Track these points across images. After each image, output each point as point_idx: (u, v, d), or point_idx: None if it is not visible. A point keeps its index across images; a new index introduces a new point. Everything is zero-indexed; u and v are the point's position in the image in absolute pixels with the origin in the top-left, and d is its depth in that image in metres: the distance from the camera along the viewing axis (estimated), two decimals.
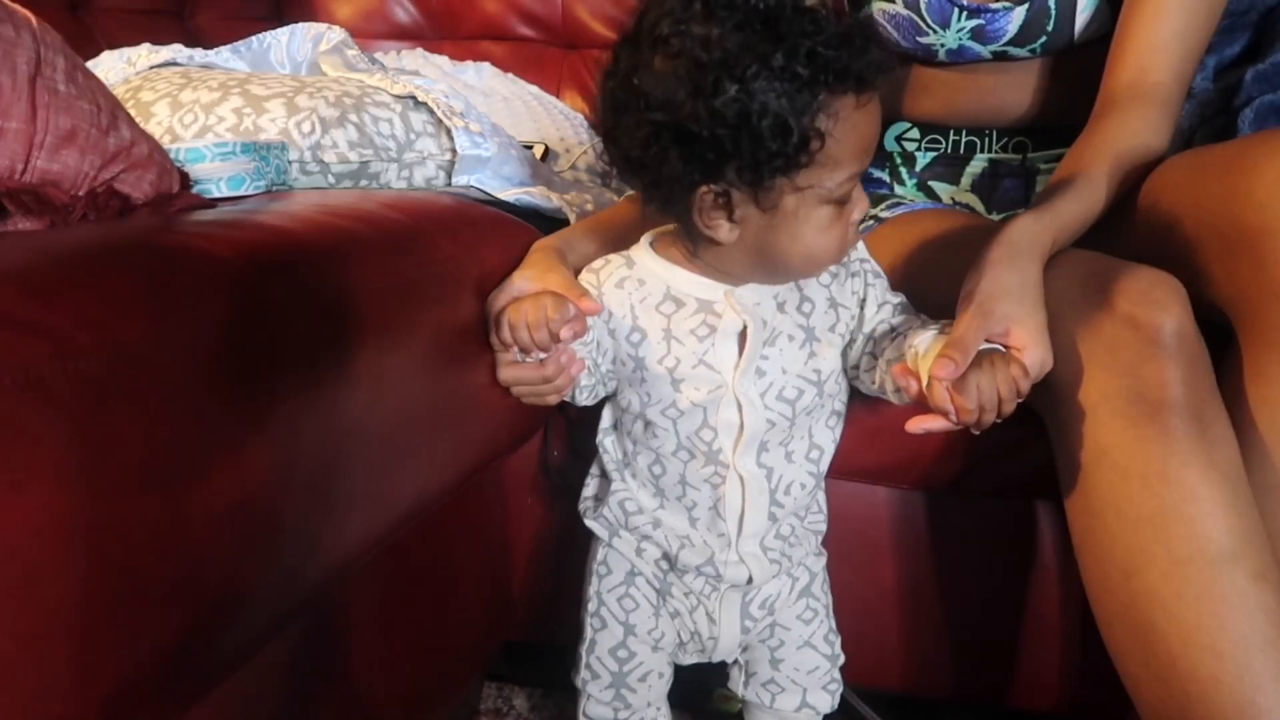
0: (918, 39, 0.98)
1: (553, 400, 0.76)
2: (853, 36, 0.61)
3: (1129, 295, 0.70)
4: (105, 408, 0.43)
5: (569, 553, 0.85)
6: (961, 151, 1.04)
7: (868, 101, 0.63)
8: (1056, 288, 0.73)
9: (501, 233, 0.84)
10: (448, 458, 0.76)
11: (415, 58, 1.58)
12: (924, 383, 0.66)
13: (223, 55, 1.12)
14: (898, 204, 1.00)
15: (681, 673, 0.85)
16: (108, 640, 0.43)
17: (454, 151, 1.01)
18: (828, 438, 0.76)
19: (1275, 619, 0.65)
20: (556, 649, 0.85)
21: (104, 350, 0.44)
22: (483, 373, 0.76)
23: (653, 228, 0.75)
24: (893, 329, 0.74)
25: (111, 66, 1.06)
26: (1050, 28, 0.95)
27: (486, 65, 1.59)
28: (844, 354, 0.76)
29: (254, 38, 1.15)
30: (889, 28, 0.99)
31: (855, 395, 0.80)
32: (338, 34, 1.13)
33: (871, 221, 0.99)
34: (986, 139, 1.03)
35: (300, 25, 1.15)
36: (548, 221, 0.95)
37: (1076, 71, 0.96)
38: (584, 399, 0.77)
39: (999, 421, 0.66)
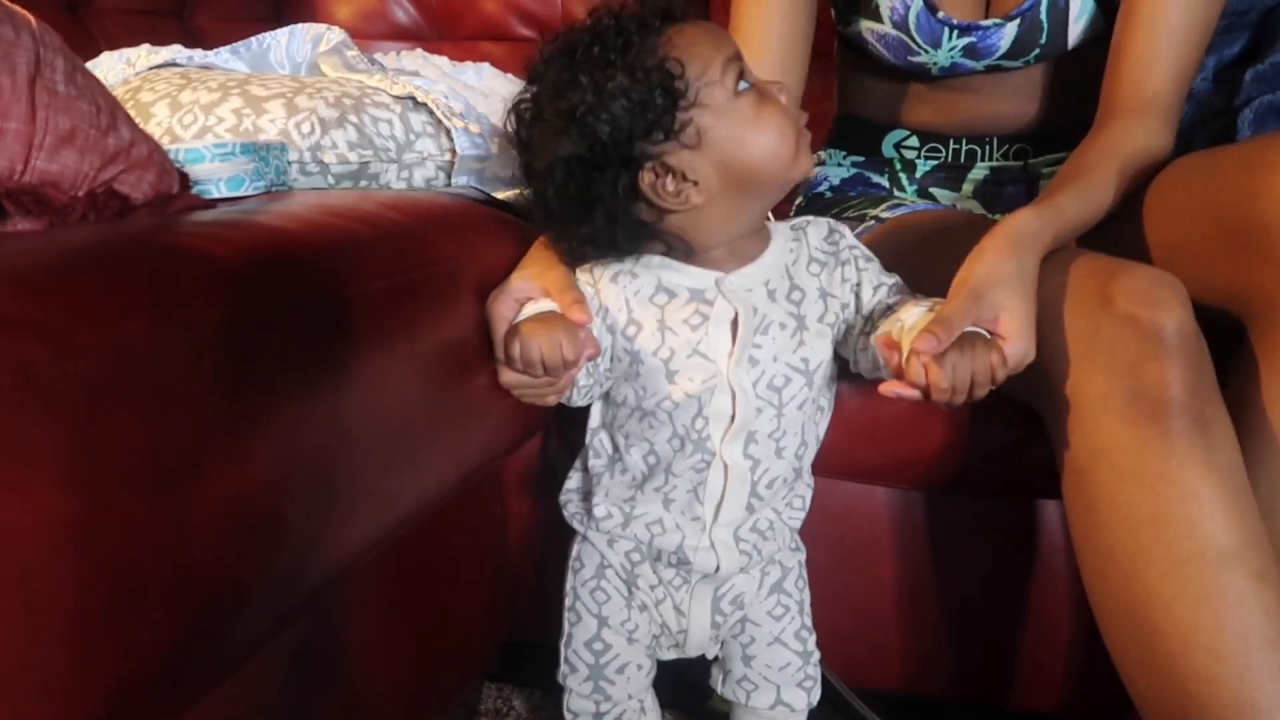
0: (909, 58, 0.98)
1: (552, 401, 0.77)
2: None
3: (1130, 294, 0.70)
4: (104, 408, 0.43)
5: (569, 553, 0.85)
6: (962, 160, 1.04)
7: (687, 24, 0.69)
8: (1056, 286, 0.73)
9: (501, 233, 0.84)
10: (448, 458, 0.76)
11: (415, 58, 1.58)
12: (904, 356, 0.67)
13: (222, 56, 1.12)
14: (898, 205, 1.00)
15: (681, 674, 0.86)
16: (107, 640, 0.43)
17: (454, 152, 1.01)
18: (813, 434, 0.77)
19: (1275, 619, 0.65)
20: (556, 650, 0.85)
21: (103, 351, 0.44)
22: (483, 373, 0.76)
23: None
24: (889, 308, 0.74)
25: (111, 67, 1.05)
26: (1043, 40, 0.95)
27: (486, 66, 1.58)
28: (844, 340, 0.76)
29: (253, 38, 1.15)
30: (879, 46, 0.99)
31: (853, 395, 0.80)
32: (337, 34, 1.13)
33: (872, 221, 0.99)
34: (986, 147, 1.03)
35: (300, 26, 1.15)
36: None
37: (1074, 75, 0.96)
38: (580, 400, 0.78)
39: (971, 402, 0.67)
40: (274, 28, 1.16)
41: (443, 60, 1.57)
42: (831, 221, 0.77)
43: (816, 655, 0.84)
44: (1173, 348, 0.68)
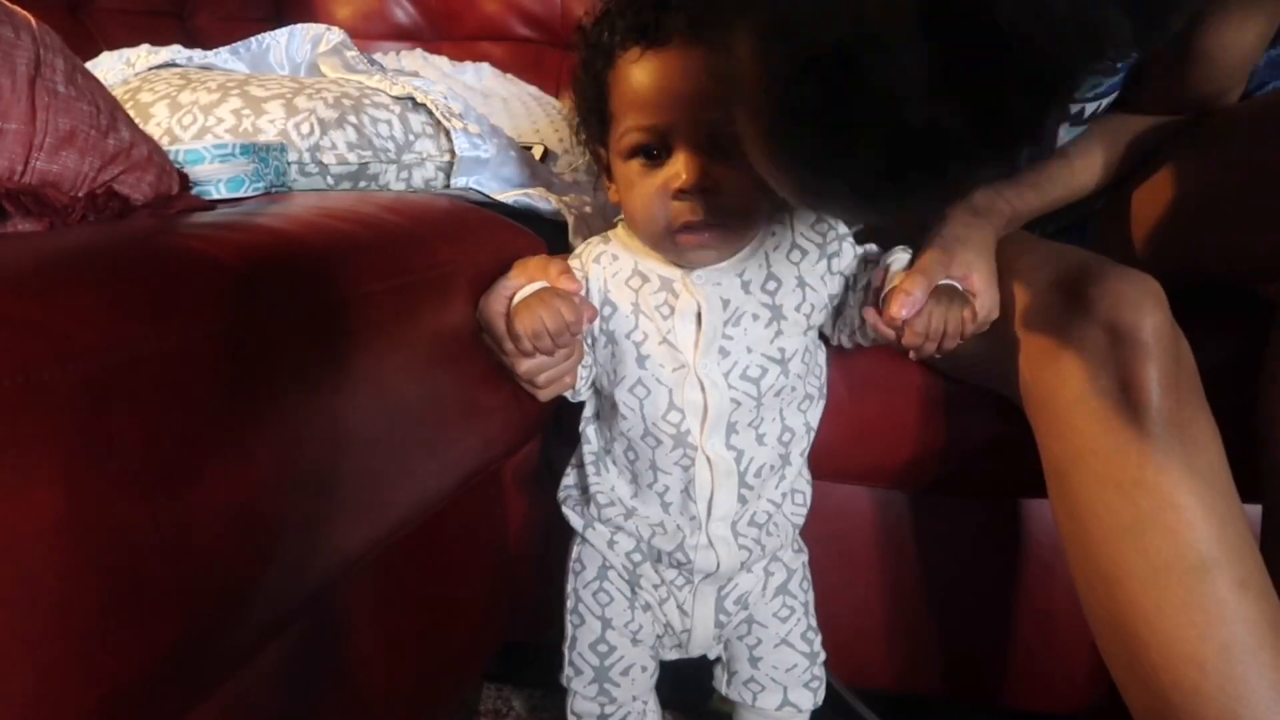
0: None
1: (569, 382, 0.77)
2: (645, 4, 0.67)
3: (1105, 298, 0.70)
4: (105, 409, 0.43)
5: (569, 554, 0.85)
6: None
7: (662, 53, 0.66)
8: (1034, 286, 0.74)
9: (499, 236, 0.84)
10: (447, 460, 0.76)
11: (414, 59, 1.58)
12: (885, 291, 0.69)
13: (222, 56, 1.12)
14: None
15: (682, 675, 0.86)
16: (107, 641, 0.43)
17: (453, 153, 1.01)
18: (799, 421, 0.76)
19: (1256, 629, 0.64)
20: (556, 650, 0.85)
21: (104, 351, 0.44)
22: (483, 375, 0.76)
23: None
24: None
25: (110, 68, 1.05)
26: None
27: (486, 66, 1.59)
28: (835, 321, 0.76)
29: (253, 39, 1.15)
30: None
31: (845, 397, 0.80)
32: (337, 35, 1.13)
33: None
34: None
35: (299, 26, 1.15)
36: (546, 223, 0.95)
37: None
38: (583, 387, 0.78)
39: (937, 353, 0.69)
40: (274, 28, 1.16)
41: (442, 60, 1.58)
42: None
43: (822, 656, 0.84)
44: (1149, 350, 0.68)
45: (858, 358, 0.88)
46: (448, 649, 0.93)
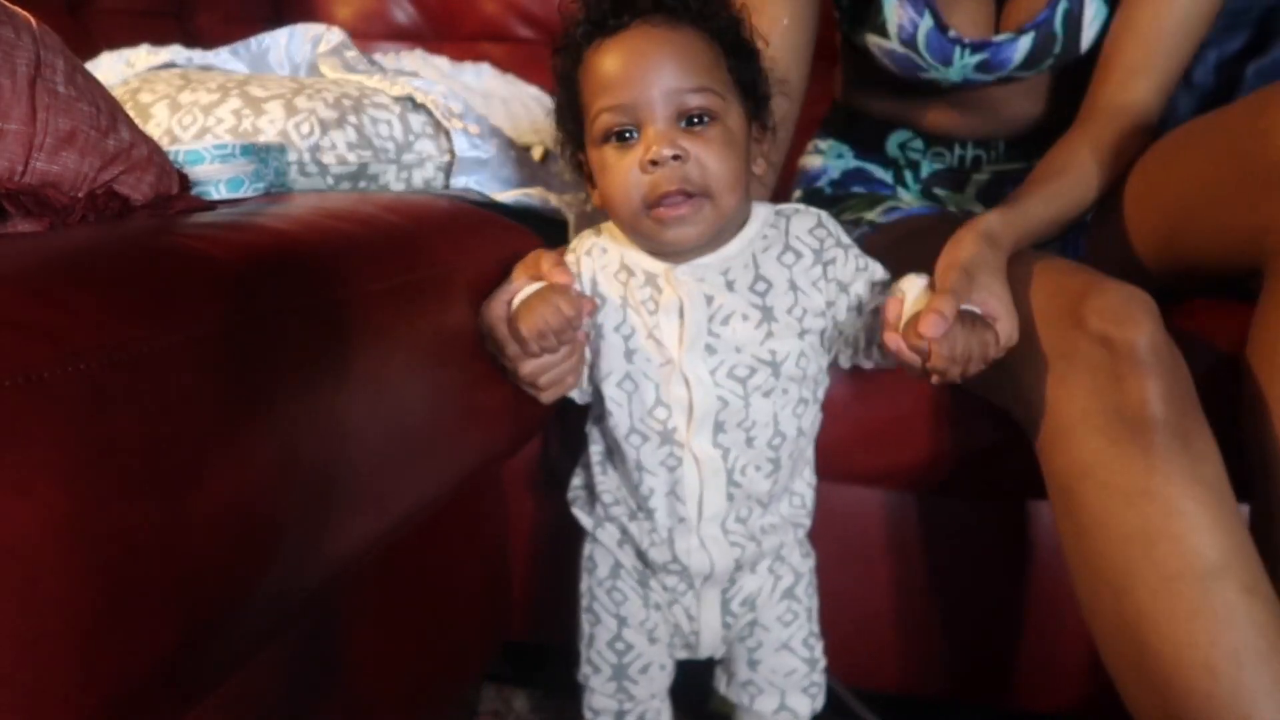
0: (918, 74, 0.97)
1: (572, 382, 0.77)
2: None
3: (1100, 313, 0.70)
4: (105, 409, 0.43)
5: (569, 554, 0.85)
6: (968, 164, 1.04)
7: (623, 36, 0.69)
8: (1030, 304, 0.74)
9: (499, 236, 0.84)
10: (446, 459, 0.76)
11: (414, 59, 1.58)
12: (903, 322, 0.69)
13: (221, 56, 1.12)
14: (894, 209, 1.00)
15: (681, 675, 0.86)
16: (107, 641, 0.43)
17: (452, 153, 1.01)
18: (792, 425, 0.75)
19: (1266, 632, 0.64)
20: (556, 650, 0.85)
21: (103, 351, 0.44)
22: (482, 375, 0.76)
23: None
24: (885, 286, 0.75)
25: (110, 68, 1.05)
26: (1057, 50, 0.94)
27: (486, 66, 1.59)
28: (842, 336, 0.76)
29: (253, 39, 1.15)
30: (886, 62, 0.97)
31: (850, 398, 0.80)
32: (337, 35, 1.13)
33: (866, 227, 0.99)
34: (994, 151, 1.03)
35: (299, 26, 1.15)
36: (546, 223, 0.95)
37: (1083, 78, 0.96)
38: (585, 386, 0.78)
39: (963, 378, 0.69)
40: (273, 28, 1.16)
41: (442, 61, 1.58)
42: (823, 215, 0.76)
43: (823, 663, 0.84)
44: (1148, 364, 0.68)
45: None
46: (448, 649, 0.93)
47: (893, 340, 0.69)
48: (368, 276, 0.64)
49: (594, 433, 0.81)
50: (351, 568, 0.67)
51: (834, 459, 0.80)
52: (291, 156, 0.91)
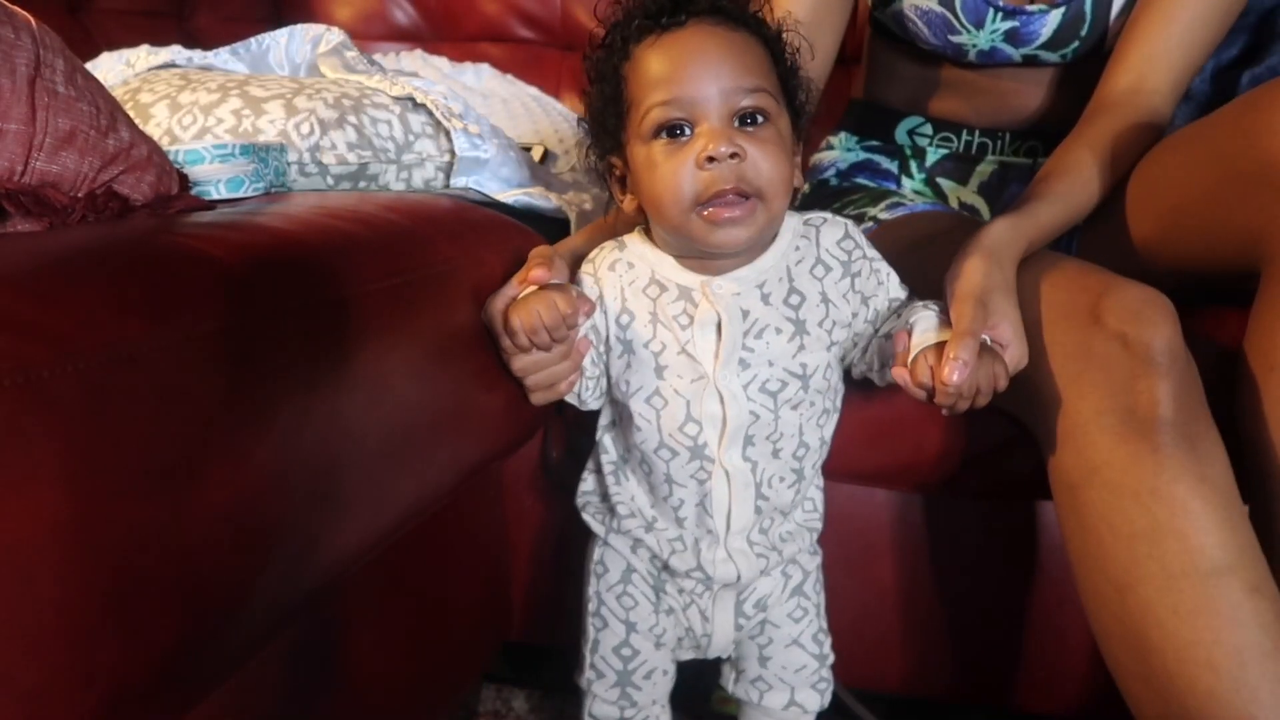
0: (949, 37, 0.98)
1: (564, 389, 0.76)
2: None
3: (1119, 313, 0.70)
4: (104, 409, 0.43)
5: (568, 554, 0.85)
6: (973, 151, 1.05)
7: (678, 32, 0.68)
8: (1046, 303, 0.74)
9: (499, 235, 0.84)
10: (447, 459, 0.76)
11: (414, 59, 1.58)
12: (911, 357, 0.69)
13: (221, 57, 1.12)
14: (898, 204, 1.00)
15: (680, 674, 0.86)
16: (106, 641, 0.43)
17: (452, 153, 1.01)
18: (815, 436, 0.76)
19: (1270, 632, 0.65)
20: (556, 650, 0.85)
21: (103, 351, 0.44)
22: (482, 374, 0.76)
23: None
24: (895, 313, 0.75)
25: (110, 68, 1.06)
26: (1084, 32, 0.94)
27: (485, 67, 1.59)
28: (856, 348, 0.76)
29: (253, 39, 1.15)
30: (920, 24, 0.98)
31: (854, 398, 0.80)
32: (337, 35, 1.13)
33: (871, 223, 0.99)
34: (999, 141, 1.04)
35: (299, 27, 1.15)
36: (547, 222, 0.95)
37: (1098, 77, 0.96)
38: (590, 396, 0.77)
39: (972, 410, 0.69)
40: (273, 28, 1.16)
41: (442, 61, 1.58)
42: (849, 225, 0.76)
43: (831, 658, 0.84)
44: (1162, 366, 0.68)
45: None
46: (447, 649, 0.93)
47: (900, 375, 0.70)
48: (368, 276, 0.64)
49: (606, 441, 0.80)
50: (351, 567, 0.67)
51: (836, 459, 0.80)
52: (291, 156, 0.91)
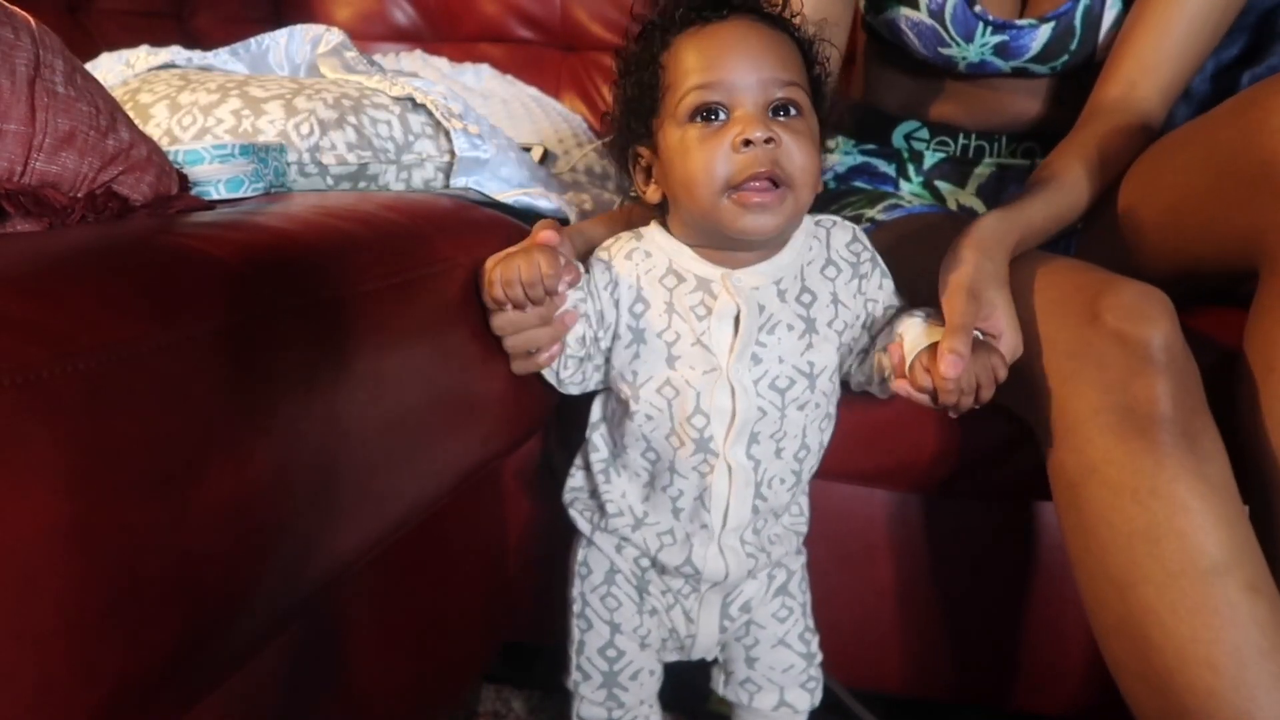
0: (939, 49, 0.98)
1: (543, 361, 0.75)
2: None
3: (1117, 310, 0.70)
4: (104, 409, 0.43)
5: (569, 554, 0.85)
6: (970, 155, 1.05)
7: (720, 24, 0.70)
8: (1043, 301, 0.74)
9: (500, 234, 0.84)
10: (447, 459, 0.76)
11: (414, 60, 1.58)
12: (908, 364, 0.69)
13: (221, 57, 1.12)
14: (896, 206, 1.00)
15: (678, 675, 0.86)
16: (107, 641, 0.43)
17: (452, 153, 1.01)
18: (816, 440, 0.76)
19: (1268, 630, 0.65)
20: (555, 651, 0.85)
21: (103, 351, 0.44)
22: (482, 374, 0.76)
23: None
24: (887, 321, 0.75)
25: (110, 68, 1.06)
26: (1074, 46, 0.95)
27: (485, 67, 1.59)
28: (852, 354, 0.76)
29: (252, 40, 1.15)
30: (911, 35, 0.99)
31: (853, 398, 0.80)
32: (336, 36, 1.13)
33: (868, 224, 0.99)
34: (996, 143, 1.04)
35: (299, 27, 1.15)
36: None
37: (1092, 82, 0.96)
38: (569, 375, 0.76)
39: (976, 407, 0.69)
40: (273, 29, 1.16)
41: (441, 62, 1.58)
42: (855, 229, 0.77)
43: (819, 657, 0.84)
44: (1160, 363, 0.69)
45: None
46: (447, 649, 0.93)
47: (900, 386, 0.71)
48: (368, 275, 0.64)
49: (596, 439, 0.80)
50: (351, 567, 0.67)
51: (836, 458, 0.80)
52: (291, 157, 0.91)
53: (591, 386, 0.79)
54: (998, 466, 0.91)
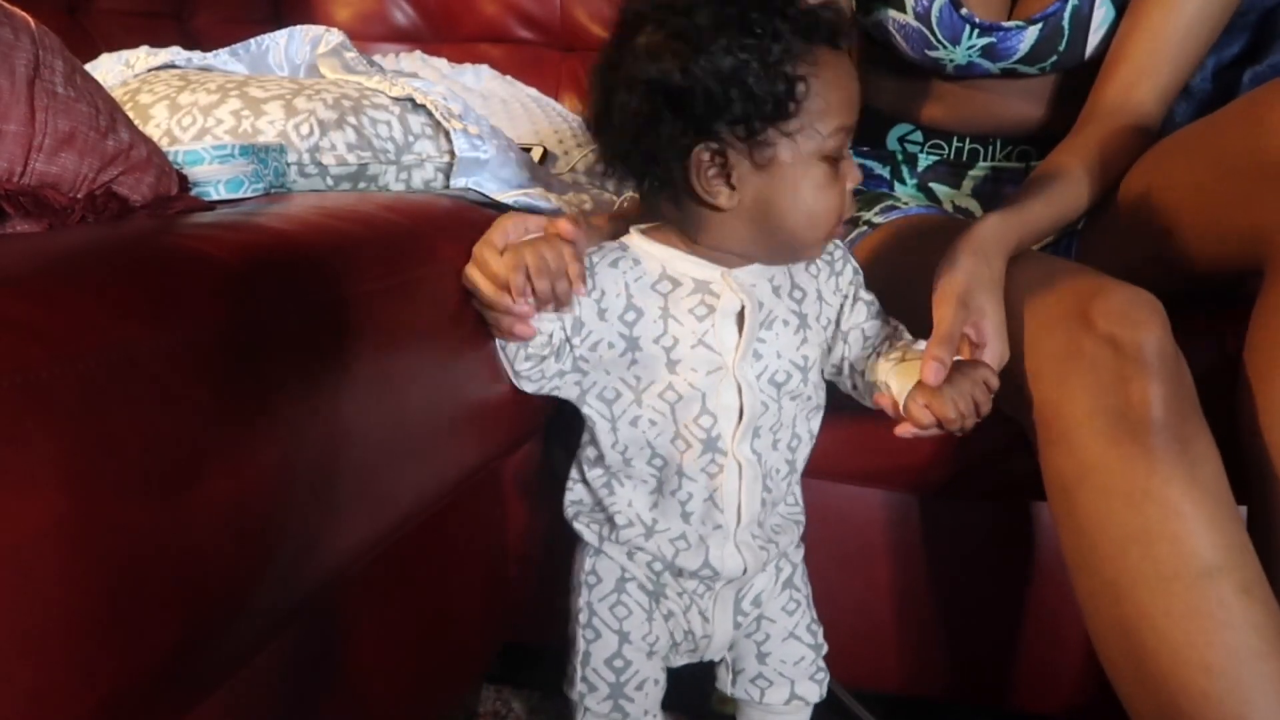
0: (926, 51, 0.98)
1: (519, 329, 0.71)
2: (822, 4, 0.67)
3: (1109, 314, 0.71)
4: (104, 410, 0.43)
5: (569, 555, 0.85)
6: (964, 158, 1.05)
7: (843, 56, 0.67)
8: (1036, 304, 0.75)
9: None
10: (447, 459, 0.76)
11: (414, 60, 1.58)
12: (902, 405, 0.70)
13: (221, 58, 1.12)
14: (892, 208, 1.00)
15: (680, 675, 0.85)
16: (107, 642, 0.43)
17: (452, 154, 1.01)
18: (806, 429, 0.78)
19: (1263, 633, 0.65)
20: (555, 652, 0.85)
21: (103, 353, 0.44)
22: (482, 374, 0.76)
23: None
24: (866, 336, 0.77)
25: (110, 69, 1.05)
26: (1062, 48, 0.95)
27: (485, 67, 1.59)
28: (827, 349, 0.77)
29: (252, 40, 1.15)
30: (898, 37, 0.99)
31: (851, 399, 0.80)
32: (336, 36, 1.13)
33: (865, 227, 0.99)
34: (990, 147, 1.04)
35: (299, 28, 1.15)
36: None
37: (1084, 85, 0.97)
38: (526, 369, 0.74)
39: (980, 421, 0.70)
40: (273, 29, 1.16)
41: (441, 62, 1.58)
42: None
43: (825, 648, 0.84)
44: (1153, 367, 0.69)
45: None
46: (447, 650, 0.93)
47: (905, 431, 0.71)
48: (368, 275, 0.64)
49: (590, 452, 0.79)
50: (351, 568, 0.67)
51: (835, 459, 0.80)
52: (291, 157, 0.91)
53: (549, 390, 0.77)
54: (995, 467, 0.91)
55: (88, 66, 0.72)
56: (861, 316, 0.77)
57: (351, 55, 1.11)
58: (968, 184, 1.05)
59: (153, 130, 0.92)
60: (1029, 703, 1.00)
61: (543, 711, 1.09)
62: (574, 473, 0.82)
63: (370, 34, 1.69)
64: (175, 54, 1.08)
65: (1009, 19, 0.97)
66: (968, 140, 1.04)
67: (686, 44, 0.64)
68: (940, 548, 0.99)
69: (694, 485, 0.75)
